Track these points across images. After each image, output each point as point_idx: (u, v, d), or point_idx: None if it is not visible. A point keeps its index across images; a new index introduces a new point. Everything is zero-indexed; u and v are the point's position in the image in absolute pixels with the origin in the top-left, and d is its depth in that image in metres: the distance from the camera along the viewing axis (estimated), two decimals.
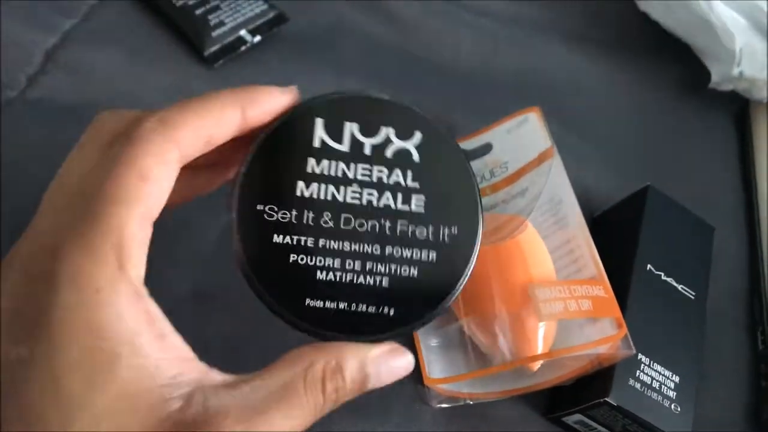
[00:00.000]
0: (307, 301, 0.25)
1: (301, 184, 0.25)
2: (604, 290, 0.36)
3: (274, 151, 0.26)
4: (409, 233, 0.26)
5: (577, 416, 0.37)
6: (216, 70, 0.47)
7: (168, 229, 0.40)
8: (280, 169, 0.26)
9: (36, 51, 0.45)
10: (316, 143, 0.26)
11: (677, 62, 0.57)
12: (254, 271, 0.25)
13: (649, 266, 0.39)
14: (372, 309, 0.25)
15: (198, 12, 0.47)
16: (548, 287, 0.35)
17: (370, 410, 0.37)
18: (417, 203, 0.26)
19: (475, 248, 0.26)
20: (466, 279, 0.26)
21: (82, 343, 0.20)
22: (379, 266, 0.25)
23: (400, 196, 0.26)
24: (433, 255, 0.26)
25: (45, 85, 0.44)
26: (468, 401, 0.37)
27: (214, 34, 0.47)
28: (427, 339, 0.38)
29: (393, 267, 0.25)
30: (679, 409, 0.36)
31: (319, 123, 0.26)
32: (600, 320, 0.35)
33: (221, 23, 0.48)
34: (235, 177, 0.26)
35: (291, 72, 0.48)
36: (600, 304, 0.35)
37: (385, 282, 0.25)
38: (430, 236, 0.26)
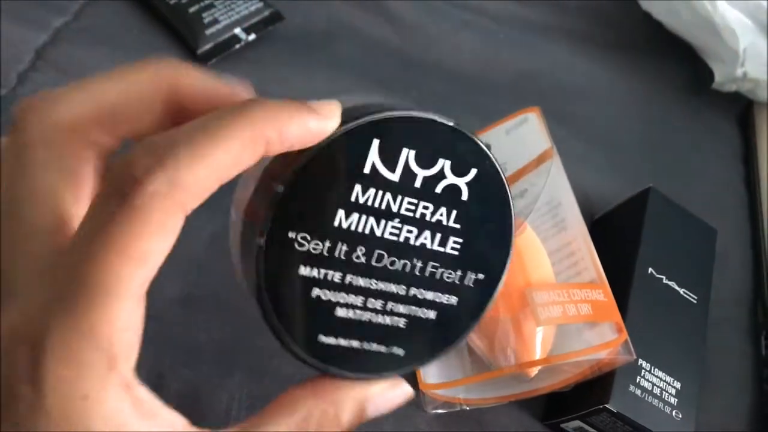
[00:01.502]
0: (320, 337, 0.23)
1: (341, 213, 0.22)
2: (604, 294, 0.35)
3: (320, 172, 0.22)
4: (437, 275, 0.24)
5: (576, 423, 0.36)
6: (209, 68, 0.46)
7: None
8: (324, 194, 0.22)
9: (27, 49, 0.44)
10: (367, 169, 0.22)
11: (680, 63, 0.56)
12: (273, 302, 0.22)
13: (650, 270, 0.39)
14: (383, 349, 0.24)
15: (191, 10, 0.47)
16: (547, 291, 0.35)
17: None
18: (453, 246, 0.24)
19: (494, 296, 0.25)
20: (477, 324, 0.25)
21: None
22: (401, 307, 0.24)
23: (438, 237, 0.24)
24: (454, 299, 0.24)
25: (36, 82, 0.43)
26: (464, 407, 0.36)
27: (208, 32, 0.47)
28: None
29: (413, 309, 0.24)
30: (680, 416, 0.35)
31: (375, 145, 0.22)
32: (600, 325, 0.35)
33: (215, 21, 0.47)
34: (268, 192, 0.22)
35: (286, 71, 0.48)
36: (600, 308, 0.35)
37: (402, 323, 0.24)
38: (457, 281, 0.24)
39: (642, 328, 0.36)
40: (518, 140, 0.42)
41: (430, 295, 0.24)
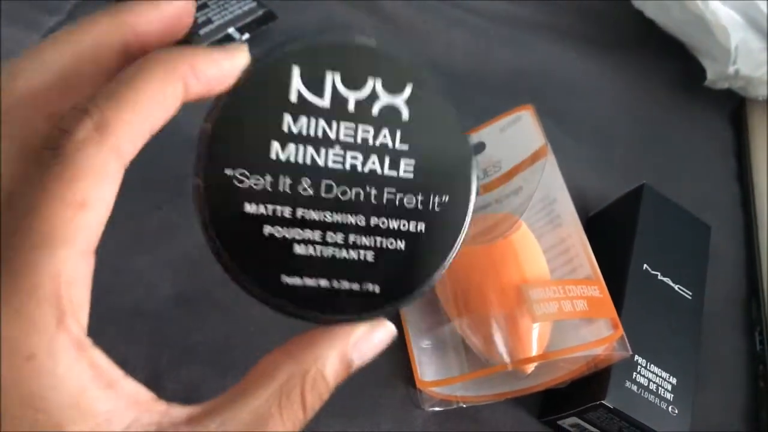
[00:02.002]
0: (284, 277, 0.22)
1: (276, 145, 0.22)
2: (599, 290, 0.35)
3: (245, 105, 0.22)
4: (397, 202, 0.23)
5: (573, 419, 0.36)
6: None
7: (151, 230, 0.40)
8: (253, 127, 0.22)
9: (19, 49, 0.44)
10: (293, 97, 0.22)
11: (672, 60, 0.56)
12: (224, 244, 0.22)
13: (645, 266, 0.39)
14: (355, 286, 0.23)
15: None
16: (542, 287, 0.35)
17: (360, 414, 0.36)
18: (406, 168, 0.23)
19: (467, 218, 0.24)
20: (456, 252, 0.24)
21: (19, 420, 0.18)
22: (364, 239, 0.23)
23: (387, 160, 0.23)
24: (421, 226, 0.23)
25: None
26: (461, 404, 0.36)
27: (201, 32, 0.46)
28: (419, 341, 0.37)
29: (378, 240, 0.23)
30: (676, 411, 0.35)
31: (296, 72, 0.22)
32: (595, 321, 0.35)
33: (209, 21, 0.47)
34: (200, 133, 0.22)
35: None
36: (595, 304, 0.35)
37: (369, 256, 0.23)
38: (419, 205, 0.23)
39: (637, 324, 0.36)
40: (512, 138, 0.42)
41: (394, 224, 0.23)
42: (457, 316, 0.36)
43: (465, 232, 0.24)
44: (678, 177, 0.50)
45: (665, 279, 0.39)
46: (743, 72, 0.50)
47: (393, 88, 0.23)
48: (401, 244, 0.23)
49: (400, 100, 0.23)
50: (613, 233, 0.42)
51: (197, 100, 0.21)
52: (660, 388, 0.35)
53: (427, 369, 0.36)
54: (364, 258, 0.23)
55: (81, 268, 0.18)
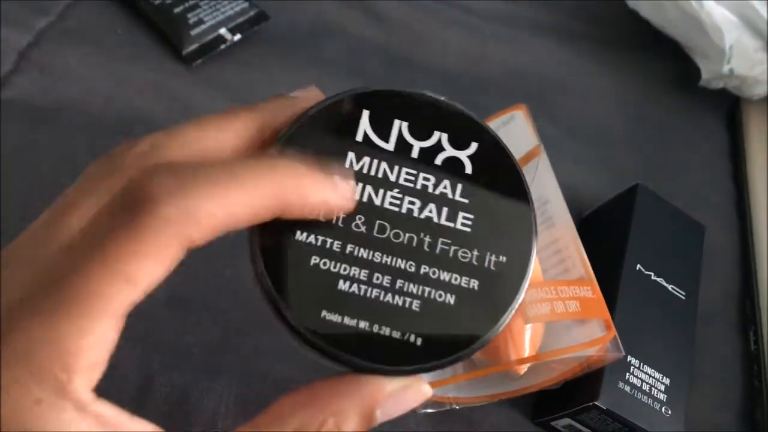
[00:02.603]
0: (324, 312, 0.21)
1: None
2: (592, 291, 0.35)
3: (309, 140, 0.22)
4: (450, 254, 0.22)
5: (566, 420, 0.36)
6: (195, 69, 0.46)
7: None
8: (315, 159, 0.22)
9: (9, 50, 0.44)
10: (359, 137, 0.23)
11: (667, 60, 0.56)
12: (268, 268, 0.21)
13: (638, 266, 0.39)
14: (396, 334, 0.21)
15: (176, 10, 0.47)
16: (535, 288, 0.34)
17: None
18: (463, 221, 0.23)
19: (524, 282, 0.22)
20: (510, 315, 0.22)
21: None
22: (411, 286, 0.22)
23: (445, 211, 0.23)
24: (474, 283, 0.22)
25: (18, 85, 0.43)
26: (454, 406, 0.36)
27: (193, 32, 0.46)
28: None
29: (427, 290, 0.22)
30: (670, 412, 0.35)
31: (365, 115, 0.23)
32: (588, 322, 0.35)
33: (200, 21, 0.47)
34: None
35: (272, 71, 0.47)
36: (588, 305, 0.34)
37: (415, 305, 0.22)
38: (474, 261, 0.22)
39: (631, 324, 0.36)
40: (505, 138, 0.41)
41: (445, 276, 0.22)
42: None
43: (521, 296, 0.23)
44: (672, 177, 0.50)
45: (659, 279, 0.39)
46: (738, 71, 0.50)
47: (458, 144, 0.23)
48: (451, 299, 0.22)
49: (464, 155, 0.23)
50: (606, 233, 0.42)
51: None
52: (653, 388, 0.35)
53: None
54: (410, 306, 0.22)
55: (108, 335, 0.18)
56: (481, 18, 0.55)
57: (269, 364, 0.37)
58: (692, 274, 0.41)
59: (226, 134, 0.21)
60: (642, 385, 0.35)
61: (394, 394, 0.21)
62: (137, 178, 0.18)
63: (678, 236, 0.42)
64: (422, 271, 0.22)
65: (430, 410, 0.36)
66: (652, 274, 0.39)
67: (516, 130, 0.41)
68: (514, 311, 0.22)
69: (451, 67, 0.52)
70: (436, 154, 0.23)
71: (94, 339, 0.18)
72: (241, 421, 0.21)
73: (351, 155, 0.23)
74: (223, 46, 0.47)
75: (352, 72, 0.49)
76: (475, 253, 0.22)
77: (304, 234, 0.22)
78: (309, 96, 0.23)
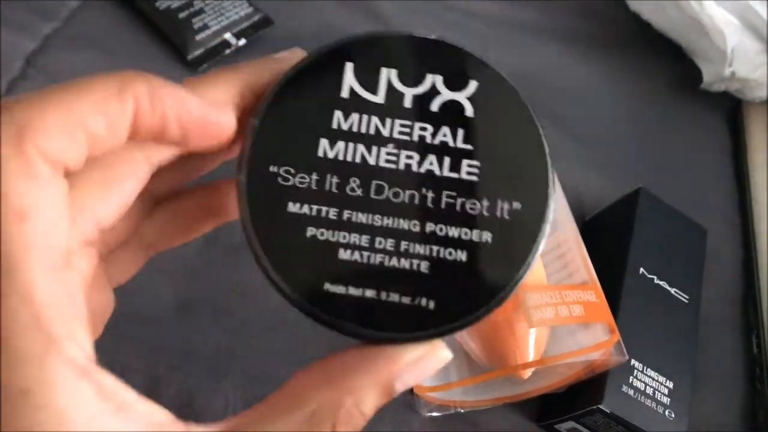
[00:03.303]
0: (326, 285, 0.20)
1: (324, 143, 0.21)
2: (595, 295, 0.35)
3: (293, 101, 0.21)
4: (458, 207, 0.20)
5: (570, 423, 0.36)
6: (200, 73, 0.46)
7: None
8: (300, 124, 0.21)
9: (16, 56, 0.44)
10: (345, 93, 0.21)
11: (669, 63, 0.56)
12: (263, 244, 0.20)
13: (641, 270, 0.39)
14: (406, 300, 0.20)
15: (181, 15, 0.47)
16: (539, 293, 0.34)
17: None
18: (469, 170, 0.21)
19: (543, 228, 0.20)
20: (530, 267, 0.20)
21: None
22: (418, 247, 0.20)
23: (447, 161, 0.21)
24: (487, 236, 0.20)
25: (25, 90, 0.43)
26: (459, 409, 0.36)
27: (198, 37, 0.46)
28: None
29: (435, 249, 0.20)
30: (673, 416, 0.35)
31: (348, 68, 0.21)
32: (592, 326, 0.35)
33: (205, 26, 0.47)
34: (247, 130, 0.21)
35: None
36: (592, 309, 0.35)
37: (424, 266, 0.20)
38: (485, 212, 0.20)
39: (634, 328, 0.36)
40: None
41: (453, 232, 0.20)
42: None
43: (541, 244, 0.21)
44: (675, 179, 0.50)
45: (662, 283, 0.39)
46: (739, 74, 0.50)
47: (455, 85, 0.21)
48: (462, 256, 0.20)
49: (462, 96, 0.21)
50: (609, 237, 0.42)
51: (153, 138, 0.19)
52: (657, 392, 0.35)
53: None
54: (418, 268, 0.20)
55: (56, 287, 0.16)
56: (484, 21, 0.55)
57: (276, 366, 0.37)
58: (695, 277, 0.41)
59: (209, 94, 0.20)
60: (645, 388, 0.35)
61: (411, 363, 0.20)
62: None
63: (680, 239, 0.42)
64: (428, 229, 0.20)
65: (435, 414, 0.37)
66: (655, 277, 0.39)
67: None
68: (533, 262, 0.20)
69: None
70: (432, 100, 0.21)
71: (47, 296, 0.16)
72: None
73: (338, 114, 0.21)
74: (228, 51, 0.47)
75: None
76: (485, 203, 0.21)
77: (297, 205, 0.20)
78: (294, 56, 0.22)
